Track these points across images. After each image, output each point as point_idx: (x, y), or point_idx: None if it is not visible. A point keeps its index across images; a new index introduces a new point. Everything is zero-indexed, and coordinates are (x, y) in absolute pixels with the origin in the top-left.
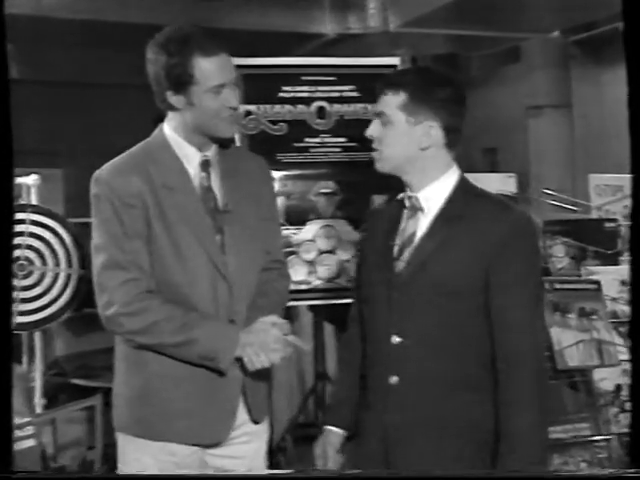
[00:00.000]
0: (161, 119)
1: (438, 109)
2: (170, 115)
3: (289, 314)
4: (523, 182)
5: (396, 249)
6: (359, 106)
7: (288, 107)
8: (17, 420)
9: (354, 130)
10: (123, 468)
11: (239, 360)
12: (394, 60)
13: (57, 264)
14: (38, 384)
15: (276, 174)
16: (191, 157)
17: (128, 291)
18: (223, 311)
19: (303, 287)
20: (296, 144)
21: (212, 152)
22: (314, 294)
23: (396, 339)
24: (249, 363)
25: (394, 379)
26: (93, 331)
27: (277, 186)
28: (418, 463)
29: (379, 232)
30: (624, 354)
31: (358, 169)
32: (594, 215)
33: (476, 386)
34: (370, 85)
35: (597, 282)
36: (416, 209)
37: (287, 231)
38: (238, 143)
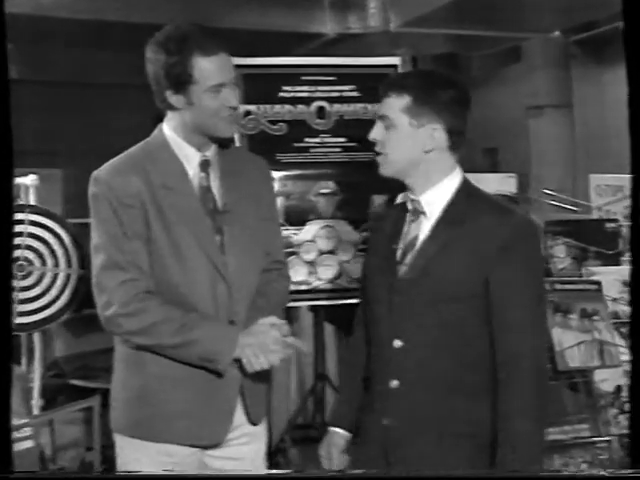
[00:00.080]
0: (161, 119)
1: (442, 111)
2: (169, 115)
3: (289, 315)
4: (523, 182)
5: (399, 253)
6: (359, 106)
7: (288, 107)
8: (15, 421)
9: (354, 130)
10: (122, 470)
11: (238, 362)
12: (394, 60)
13: (56, 264)
14: (37, 385)
15: (276, 174)
16: (190, 157)
17: (127, 291)
18: (223, 312)
19: (303, 288)
20: (296, 144)
21: (212, 152)
22: (314, 295)
23: (398, 343)
24: (248, 365)
25: (395, 383)
26: (92, 332)
27: (277, 186)
28: (417, 466)
29: (383, 235)
30: (625, 355)
31: (358, 169)
32: (595, 215)
33: (477, 391)
34: (370, 85)
35: (598, 283)
36: (418, 213)
37: (287, 231)
38: (238, 143)
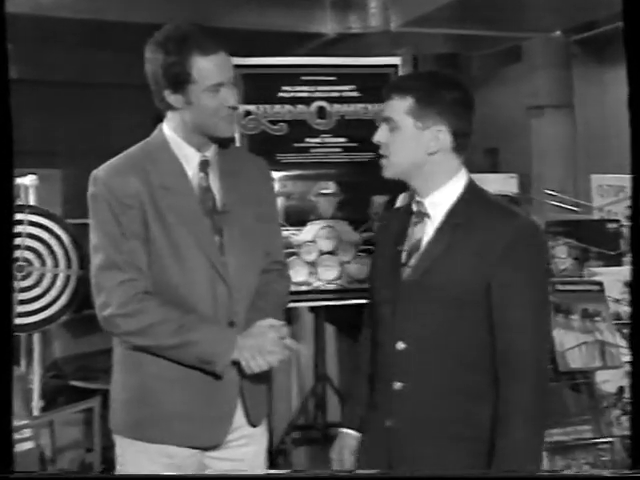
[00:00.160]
0: (161, 119)
1: (446, 113)
2: (169, 115)
3: (289, 315)
4: (525, 183)
5: (404, 255)
6: (359, 106)
7: (288, 107)
8: (15, 422)
9: (354, 130)
10: (122, 471)
11: (237, 364)
12: (395, 60)
13: (56, 265)
14: (36, 386)
15: (276, 174)
16: (190, 157)
17: (125, 292)
18: (222, 312)
19: (304, 288)
20: (296, 144)
21: (211, 152)
22: (315, 295)
23: (401, 345)
24: (246, 367)
25: (398, 385)
26: (92, 333)
27: (277, 186)
28: (419, 467)
29: (388, 237)
30: (627, 356)
31: (359, 169)
32: (596, 216)
33: (479, 393)
34: (371, 85)
35: (600, 283)
36: (423, 215)
37: (287, 232)
38: (238, 143)
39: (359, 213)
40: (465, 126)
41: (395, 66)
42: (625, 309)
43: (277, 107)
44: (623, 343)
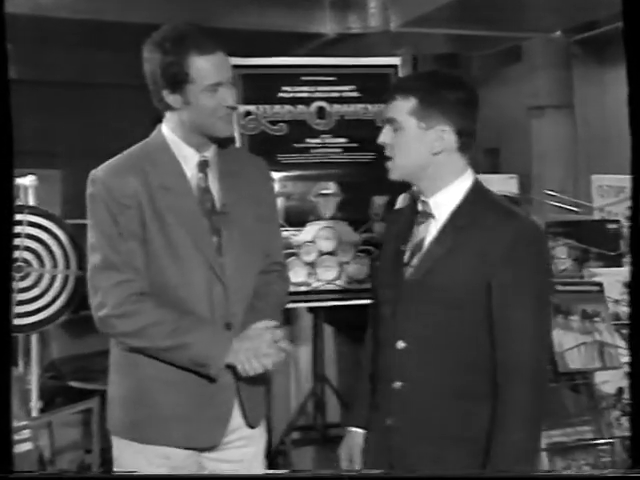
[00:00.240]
0: (160, 120)
1: (450, 113)
2: (168, 116)
3: (288, 316)
4: (525, 183)
5: (407, 254)
6: (359, 106)
7: (288, 107)
8: (13, 423)
9: (354, 130)
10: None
11: (232, 367)
12: (395, 60)
13: (54, 265)
14: (35, 387)
15: (276, 175)
16: (189, 158)
17: (121, 292)
18: (219, 313)
19: (303, 289)
20: (296, 145)
21: (211, 153)
22: (314, 296)
23: (401, 344)
24: (242, 370)
25: (397, 384)
26: (90, 333)
27: (277, 187)
28: (418, 467)
29: (394, 236)
30: (626, 357)
31: (358, 170)
32: (596, 216)
33: (478, 395)
34: (370, 85)
35: (599, 284)
36: (427, 215)
37: (287, 232)
38: (238, 144)
39: (359, 214)
40: (469, 125)
41: (395, 66)
42: (624, 310)
43: (277, 107)
44: (622, 344)
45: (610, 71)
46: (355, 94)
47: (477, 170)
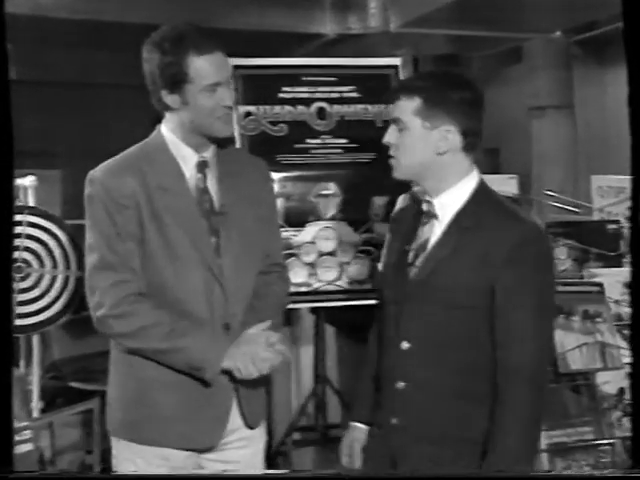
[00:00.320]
0: (160, 120)
1: (454, 113)
2: (167, 116)
3: (289, 317)
4: (525, 183)
5: (411, 254)
6: (360, 107)
7: (288, 108)
8: (14, 424)
9: (355, 131)
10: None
11: (228, 372)
12: (395, 61)
13: (55, 266)
14: (36, 387)
15: (276, 175)
16: (188, 158)
17: (117, 293)
18: (218, 314)
19: (303, 289)
20: (296, 145)
21: (210, 153)
22: (315, 296)
23: (405, 345)
24: (238, 374)
25: (401, 384)
26: (91, 334)
27: (277, 187)
28: (420, 467)
29: (399, 235)
30: (628, 357)
31: (359, 170)
32: (596, 217)
33: (480, 396)
34: (371, 86)
35: (600, 284)
36: (432, 215)
37: (287, 233)
38: (238, 144)
39: (359, 214)
40: (474, 125)
41: (395, 67)
42: (626, 310)
43: (277, 108)
44: (624, 344)
45: (610, 71)
46: (355, 95)
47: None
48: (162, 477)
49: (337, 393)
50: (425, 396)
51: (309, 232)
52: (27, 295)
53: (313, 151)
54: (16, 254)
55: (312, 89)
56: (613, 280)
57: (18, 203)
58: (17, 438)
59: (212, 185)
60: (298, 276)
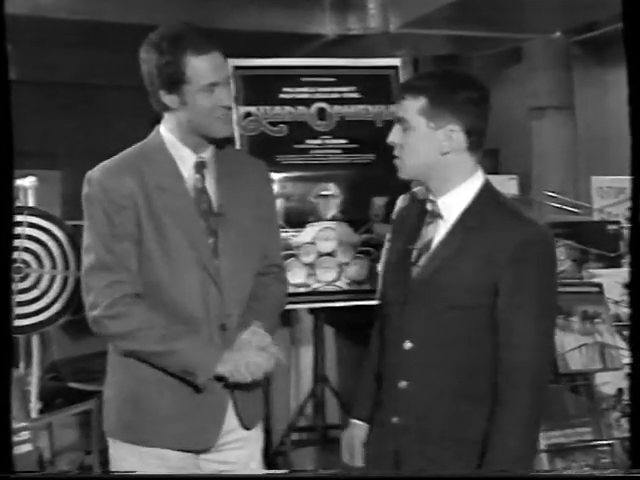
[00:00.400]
0: (159, 121)
1: (459, 112)
2: (166, 116)
3: (289, 317)
4: (525, 184)
5: (415, 253)
6: (360, 107)
7: (288, 108)
8: (13, 425)
9: (355, 132)
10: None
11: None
12: (395, 61)
13: (54, 267)
14: (34, 388)
15: (276, 176)
16: (186, 159)
17: (113, 293)
18: (214, 315)
19: (303, 290)
20: (296, 146)
21: (208, 154)
22: (314, 297)
23: (408, 344)
24: (231, 379)
25: (403, 383)
26: (90, 334)
27: (277, 188)
28: (422, 467)
29: (401, 235)
30: (627, 358)
31: (359, 171)
32: (596, 217)
33: (482, 397)
34: (371, 86)
35: (599, 285)
36: (436, 215)
37: (286, 233)
38: (238, 145)
39: (359, 215)
40: (479, 125)
41: (395, 67)
42: (625, 311)
43: (277, 108)
44: (623, 345)
45: (610, 72)
46: (355, 95)
47: None
48: (162, 477)
49: (336, 394)
50: (427, 395)
51: (309, 233)
52: (26, 296)
53: (313, 152)
54: (16, 255)
55: (312, 90)
56: (612, 281)
57: (18, 204)
58: (16, 439)
59: (210, 185)
60: (297, 276)
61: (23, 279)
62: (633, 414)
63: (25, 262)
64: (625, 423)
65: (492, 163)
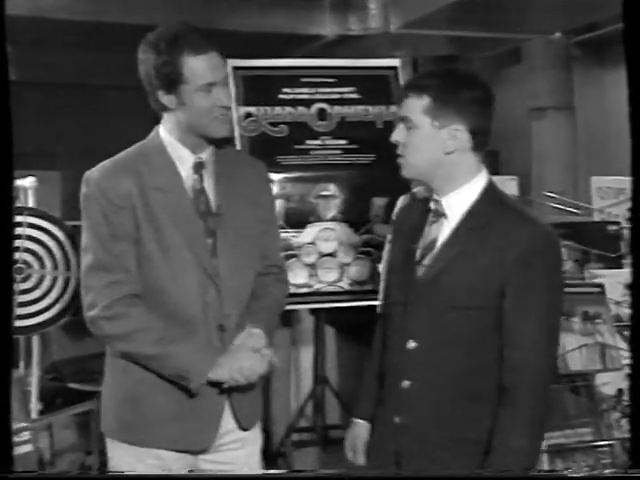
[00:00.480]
0: (159, 121)
1: (464, 112)
2: (164, 117)
3: (290, 318)
4: (525, 184)
5: (418, 253)
6: (360, 108)
7: (288, 109)
8: (13, 425)
9: (355, 132)
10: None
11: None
12: (395, 62)
13: (55, 267)
14: (35, 388)
15: (276, 176)
16: (184, 159)
17: (111, 294)
18: (212, 315)
19: (304, 290)
20: (296, 146)
21: (207, 154)
22: (315, 297)
23: (412, 344)
24: (225, 383)
25: (406, 383)
26: (91, 335)
27: (277, 189)
28: (424, 466)
29: (403, 234)
30: (627, 358)
31: (359, 171)
32: (597, 218)
33: (485, 397)
34: (371, 87)
35: (600, 285)
36: (440, 215)
37: (287, 234)
38: (238, 145)
39: (359, 215)
40: (484, 124)
41: (395, 68)
42: (626, 311)
43: (277, 109)
44: (624, 345)
45: (610, 72)
46: (355, 96)
47: None
48: (162, 477)
49: (336, 394)
50: (430, 395)
51: (309, 233)
52: (28, 296)
53: (313, 152)
54: (17, 255)
55: (312, 90)
56: (614, 281)
57: (18, 204)
58: (16, 439)
59: (209, 186)
60: (298, 277)
61: (25, 280)
62: (633, 415)
63: (26, 263)
64: (625, 424)
65: (492, 164)
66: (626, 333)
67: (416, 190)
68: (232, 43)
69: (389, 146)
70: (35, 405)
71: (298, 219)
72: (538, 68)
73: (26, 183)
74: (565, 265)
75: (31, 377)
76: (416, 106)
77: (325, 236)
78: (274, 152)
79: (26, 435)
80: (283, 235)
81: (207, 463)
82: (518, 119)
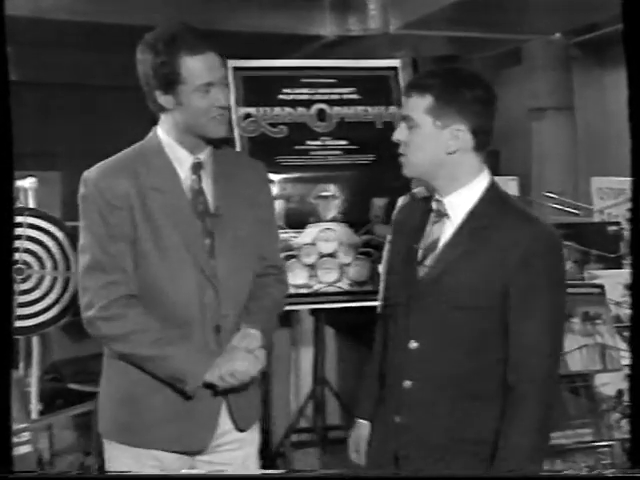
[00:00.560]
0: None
1: (465, 112)
2: (162, 117)
3: (289, 318)
4: (525, 185)
5: (420, 253)
6: (359, 108)
7: (288, 109)
8: (13, 426)
9: (354, 133)
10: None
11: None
12: (394, 62)
13: (55, 267)
14: (35, 389)
15: (276, 177)
16: (183, 160)
17: (107, 295)
18: (209, 316)
19: (304, 291)
20: (296, 147)
21: (205, 155)
22: (315, 298)
23: (413, 344)
24: (220, 385)
25: (407, 383)
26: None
27: (277, 189)
28: (424, 467)
29: (404, 234)
30: (627, 359)
31: (358, 172)
32: (597, 218)
33: (487, 398)
34: (371, 87)
35: (600, 286)
36: (442, 215)
37: (287, 234)
38: (238, 146)
39: (359, 216)
40: (486, 124)
41: (395, 68)
42: (626, 312)
43: (277, 109)
44: (624, 346)
45: (610, 73)
46: (355, 96)
47: None
48: (161, 477)
49: (336, 395)
50: (431, 395)
51: (309, 234)
52: (27, 296)
53: (313, 153)
54: (17, 256)
55: (312, 91)
56: (613, 282)
57: (18, 205)
58: (16, 440)
59: (207, 186)
60: (298, 278)
61: (25, 280)
62: (633, 415)
63: (26, 263)
64: (625, 424)
65: (492, 164)
66: (626, 334)
67: (416, 190)
68: (232, 43)
69: (389, 146)
70: (35, 406)
71: (298, 220)
72: (538, 68)
73: (26, 184)
74: (566, 265)
75: (31, 378)
76: (418, 105)
77: (325, 237)
78: (274, 153)
79: (26, 436)
80: (283, 236)
81: (204, 464)
82: (518, 120)
